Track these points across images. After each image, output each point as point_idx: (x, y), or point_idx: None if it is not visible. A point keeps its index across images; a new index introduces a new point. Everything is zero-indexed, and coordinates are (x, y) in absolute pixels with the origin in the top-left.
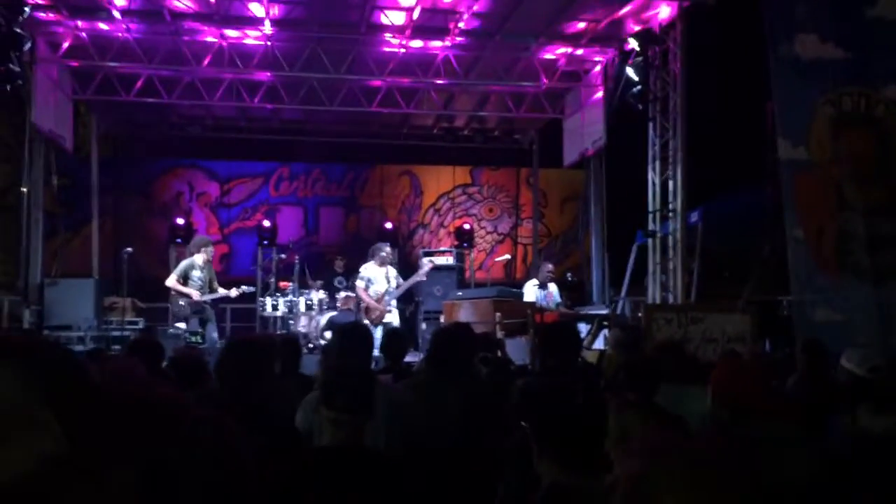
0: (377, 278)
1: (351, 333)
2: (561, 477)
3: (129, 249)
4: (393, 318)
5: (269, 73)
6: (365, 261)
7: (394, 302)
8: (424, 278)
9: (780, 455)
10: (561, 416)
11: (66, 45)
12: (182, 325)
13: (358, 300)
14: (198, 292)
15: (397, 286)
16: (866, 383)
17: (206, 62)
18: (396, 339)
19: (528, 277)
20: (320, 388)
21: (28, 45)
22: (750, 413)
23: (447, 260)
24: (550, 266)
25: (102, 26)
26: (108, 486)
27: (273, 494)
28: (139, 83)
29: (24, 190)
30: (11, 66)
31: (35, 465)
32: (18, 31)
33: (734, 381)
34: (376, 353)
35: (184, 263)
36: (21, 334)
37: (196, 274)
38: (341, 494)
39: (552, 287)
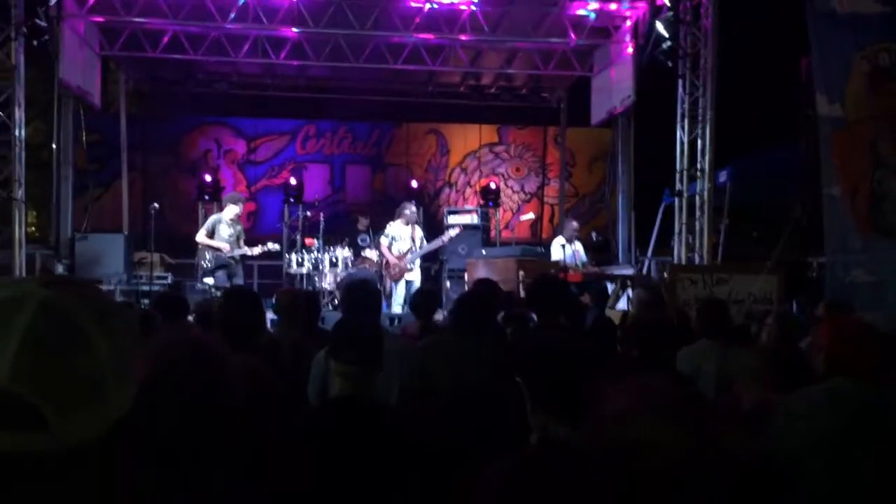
0: (402, 236)
1: (356, 289)
2: (553, 429)
3: (157, 206)
4: (414, 276)
5: (294, 30)
6: (391, 219)
7: (417, 261)
8: (453, 236)
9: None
10: (547, 369)
11: (92, 0)
12: (209, 281)
13: (379, 258)
14: (227, 245)
15: (421, 247)
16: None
17: (231, 17)
18: (427, 298)
19: (554, 237)
20: (329, 340)
21: (54, 1)
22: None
23: (472, 219)
24: (576, 224)
25: None
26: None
27: (278, 445)
28: (165, 39)
29: (54, 146)
30: (38, 21)
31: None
32: None
33: (850, 343)
34: (398, 310)
35: (211, 219)
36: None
37: (224, 229)
38: (343, 443)
39: (578, 245)
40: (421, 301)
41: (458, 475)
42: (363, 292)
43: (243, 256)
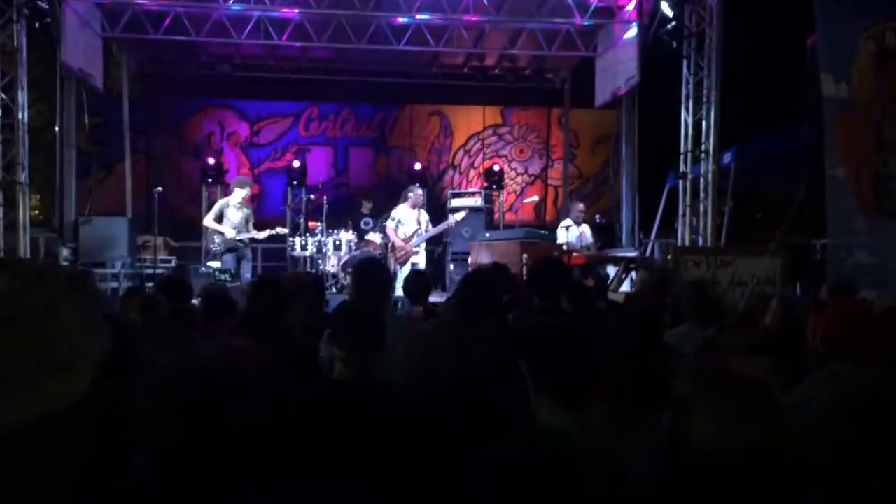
0: (408, 220)
1: (369, 271)
2: (555, 413)
3: (160, 189)
4: (420, 259)
5: (296, 10)
6: (394, 202)
7: (422, 245)
8: (459, 220)
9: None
10: (549, 351)
11: None
12: (215, 264)
13: (383, 242)
14: (232, 230)
15: (426, 230)
16: None
17: None
18: (418, 280)
19: (558, 219)
20: (329, 327)
21: None
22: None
23: (476, 201)
24: (582, 206)
25: None
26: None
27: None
28: (167, 21)
29: (57, 129)
30: (40, 3)
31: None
32: None
33: (848, 323)
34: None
35: (219, 203)
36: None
37: (232, 213)
38: (345, 425)
39: (585, 227)
40: (414, 285)
41: (458, 457)
42: (375, 275)
43: (252, 240)
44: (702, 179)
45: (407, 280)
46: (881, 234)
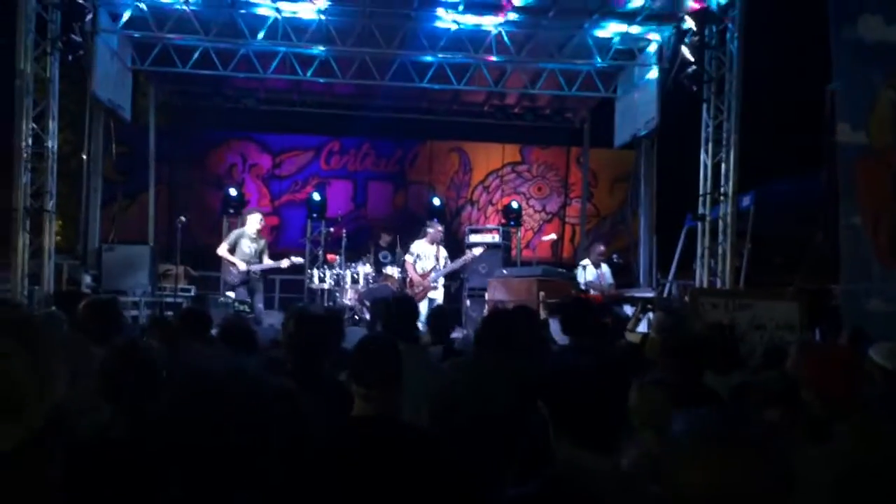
0: (426, 255)
1: (396, 304)
2: (576, 454)
3: (183, 219)
4: (438, 295)
5: (322, 48)
6: (412, 236)
7: (440, 280)
8: (476, 256)
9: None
10: (575, 395)
11: (126, 16)
12: (232, 294)
13: (401, 276)
14: (243, 262)
15: (445, 266)
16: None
17: (260, 35)
18: (441, 317)
19: (575, 257)
20: (349, 364)
21: (90, 16)
22: (842, 405)
23: (493, 237)
24: (602, 247)
25: None
26: None
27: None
28: (196, 55)
29: (85, 157)
30: (74, 36)
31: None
32: (80, 1)
33: (826, 371)
34: (422, 328)
35: (234, 233)
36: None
37: (246, 243)
38: (367, 463)
39: (605, 268)
40: (438, 320)
41: (481, 497)
42: (407, 312)
43: (266, 271)
44: (720, 221)
45: (431, 316)
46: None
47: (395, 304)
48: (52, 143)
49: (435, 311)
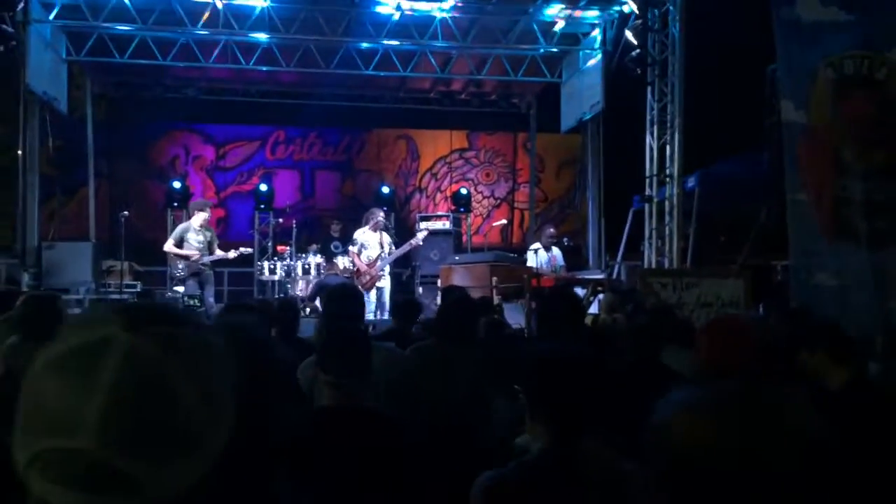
0: (371, 243)
1: (340, 296)
2: (552, 442)
3: (126, 213)
4: (385, 283)
5: (265, 36)
6: (360, 226)
7: (387, 268)
8: (420, 244)
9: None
10: (555, 383)
11: (59, 5)
12: (180, 289)
13: (349, 266)
14: (197, 252)
15: (390, 252)
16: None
17: (201, 23)
18: (409, 304)
19: (525, 242)
20: (317, 352)
21: (21, 6)
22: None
23: (444, 224)
24: (552, 230)
25: None
26: None
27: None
28: (133, 45)
29: (20, 153)
30: (4, 26)
31: None
32: None
33: (719, 347)
34: (370, 317)
35: (180, 227)
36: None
37: (192, 237)
38: (342, 452)
39: (556, 251)
40: (405, 309)
41: (449, 483)
42: (348, 300)
43: (216, 262)
44: (667, 203)
45: (398, 304)
46: (840, 257)
47: (337, 295)
48: None
49: (402, 300)
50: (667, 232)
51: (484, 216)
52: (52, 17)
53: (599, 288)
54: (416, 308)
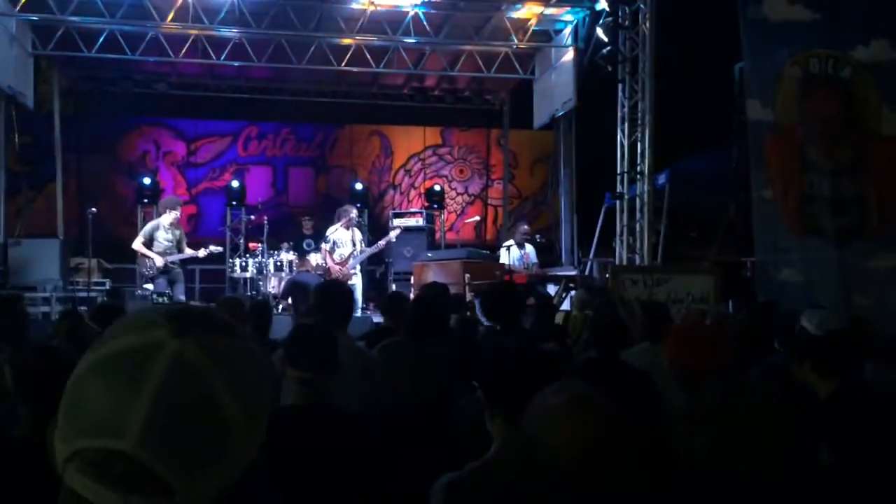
0: (343, 241)
1: (335, 294)
2: (511, 436)
3: (94, 210)
4: (357, 281)
5: (235, 30)
6: (333, 222)
7: (358, 266)
8: (393, 241)
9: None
10: (506, 376)
11: None
12: (149, 287)
13: (321, 263)
14: (160, 256)
15: (362, 250)
16: (816, 343)
17: (170, 17)
18: (397, 299)
19: (498, 238)
20: (285, 348)
21: None
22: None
23: (417, 221)
24: (526, 227)
25: None
26: None
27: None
28: (101, 38)
29: None
30: None
31: None
32: None
33: (687, 347)
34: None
35: (149, 225)
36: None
37: (162, 235)
38: (309, 451)
39: (528, 248)
40: (392, 303)
41: (419, 481)
42: (341, 298)
43: (185, 261)
44: (638, 199)
45: (385, 300)
46: (806, 252)
47: (329, 291)
48: None
49: (391, 295)
50: (638, 228)
51: (458, 213)
52: (17, 10)
53: (571, 284)
54: (403, 301)
